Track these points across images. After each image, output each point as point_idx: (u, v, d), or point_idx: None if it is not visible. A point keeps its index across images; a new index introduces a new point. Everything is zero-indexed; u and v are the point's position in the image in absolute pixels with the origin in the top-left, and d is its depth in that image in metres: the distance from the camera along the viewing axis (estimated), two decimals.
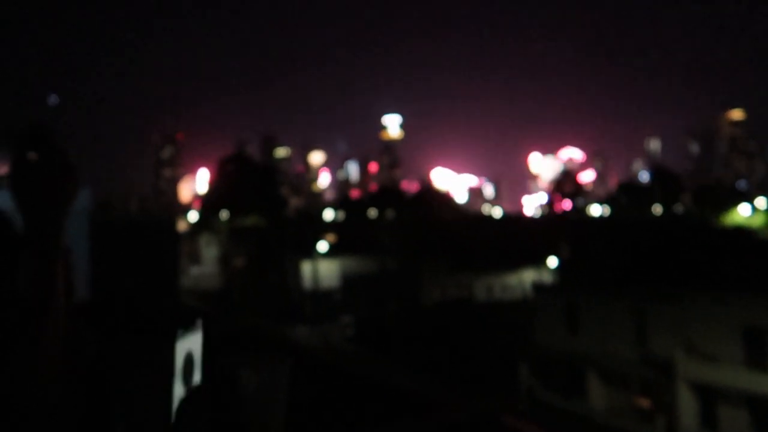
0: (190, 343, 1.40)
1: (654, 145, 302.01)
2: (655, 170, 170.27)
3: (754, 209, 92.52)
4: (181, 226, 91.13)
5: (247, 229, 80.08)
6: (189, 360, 1.35)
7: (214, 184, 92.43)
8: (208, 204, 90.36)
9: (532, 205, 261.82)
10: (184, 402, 1.29)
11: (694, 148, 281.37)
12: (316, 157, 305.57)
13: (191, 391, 1.33)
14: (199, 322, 1.48)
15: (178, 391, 1.27)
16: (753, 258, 36.00)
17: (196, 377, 1.36)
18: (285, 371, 1.30)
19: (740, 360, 24.32)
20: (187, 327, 1.41)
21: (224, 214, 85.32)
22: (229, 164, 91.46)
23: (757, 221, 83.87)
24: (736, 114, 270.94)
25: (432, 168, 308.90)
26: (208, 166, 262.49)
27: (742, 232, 69.88)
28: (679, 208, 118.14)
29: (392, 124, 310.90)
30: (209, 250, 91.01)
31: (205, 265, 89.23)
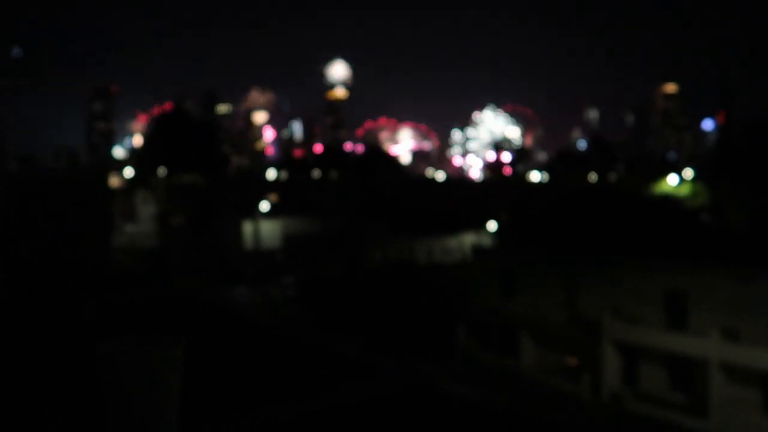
0: None
1: (592, 115, 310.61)
2: (592, 140, 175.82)
3: (682, 179, 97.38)
4: (116, 182, 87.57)
5: (185, 186, 77.71)
6: None
7: (151, 140, 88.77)
8: (144, 160, 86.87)
9: (476, 168, 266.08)
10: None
11: (630, 119, 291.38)
12: (260, 116, 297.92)
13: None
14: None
15: None
16: (677, 225, 38.06)
17: None
18: (175, 355, 1.10)
19: (662, 322, 25.92)
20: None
21: (161, 171, 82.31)
22: (167, 119, 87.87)
23: (684, 190, 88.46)
24: (670, 87, 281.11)
25: (377, 122, 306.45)
26: (145, 121, 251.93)
27: (669, 200, 73.65)
28: (612, 177, 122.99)
29: (339, 72, 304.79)
30: (146, 208, 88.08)
31: (142, 223, 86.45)
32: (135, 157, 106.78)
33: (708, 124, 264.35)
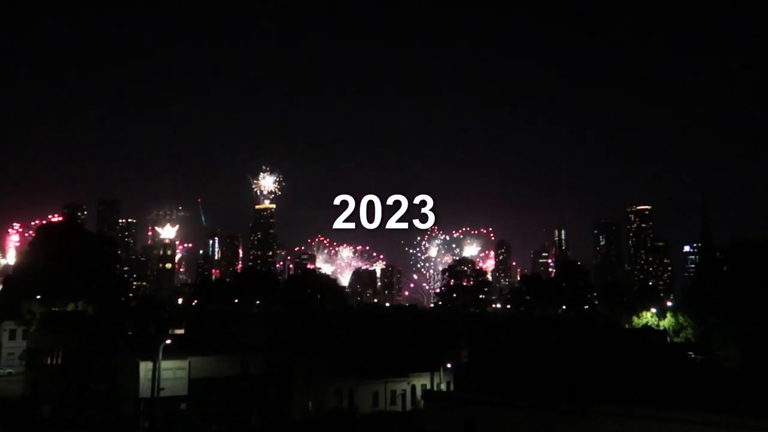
0: None
1: (560, 236, 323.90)
2: (562, 264, 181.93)
3: (664, 309, 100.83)
4: None
5: (68, 316, 74.44)
6: None
7: (28, 258, 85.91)
8: (16, 283, 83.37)
9: (428, 293, 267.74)
10: None
11: (601, 240, 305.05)
12: (169, 230, 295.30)
13: None
14: None
15: None
16: (662, 364, 38.69)
17: None
18: None
19: None
20: None
21: (39, 297, 78.98)
22: (50, 232, 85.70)
23: (666, 323, 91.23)
24: (642, 208, 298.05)
25: (312, 240, 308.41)
26: (20, 234, 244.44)
27: (651, 334, 75.69)
28: (586, 306, 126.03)
29: (267, 186, 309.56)
30: (13, 344, 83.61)
31: (6, 364, 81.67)
32: (4, 280, 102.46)
33: (686, 248, 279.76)
